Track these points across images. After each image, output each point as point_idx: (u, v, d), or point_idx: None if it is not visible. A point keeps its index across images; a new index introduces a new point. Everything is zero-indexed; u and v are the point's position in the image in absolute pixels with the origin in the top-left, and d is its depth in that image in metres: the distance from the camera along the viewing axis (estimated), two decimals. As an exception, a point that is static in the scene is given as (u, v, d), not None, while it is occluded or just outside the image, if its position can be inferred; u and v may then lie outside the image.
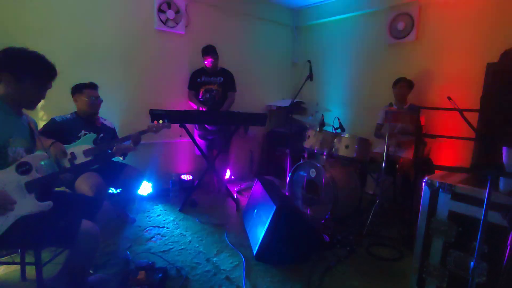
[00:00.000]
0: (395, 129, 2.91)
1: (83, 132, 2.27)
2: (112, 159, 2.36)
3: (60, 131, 2.18)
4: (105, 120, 2.50)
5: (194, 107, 3.33)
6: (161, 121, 2.50)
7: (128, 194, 2.53)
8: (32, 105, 1.46)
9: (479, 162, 1.89)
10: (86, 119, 2.34)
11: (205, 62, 3.29)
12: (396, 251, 2.26)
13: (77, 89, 2.29)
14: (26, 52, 1.38)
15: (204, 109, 3.23)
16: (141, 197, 3.16)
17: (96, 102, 2.31)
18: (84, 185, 2.02)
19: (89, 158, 2.17)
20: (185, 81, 3.42)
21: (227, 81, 3.39)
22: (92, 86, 2.32)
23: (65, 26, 2.69)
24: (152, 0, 3.14)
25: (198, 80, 3.34)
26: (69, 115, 2.31)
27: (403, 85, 3.01)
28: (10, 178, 1.32)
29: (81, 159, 2.14)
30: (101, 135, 2.36)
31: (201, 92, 3.33)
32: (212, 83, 3.33)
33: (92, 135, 2.28)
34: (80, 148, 2.17)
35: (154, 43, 3.23)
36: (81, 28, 2.77)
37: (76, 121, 2.29)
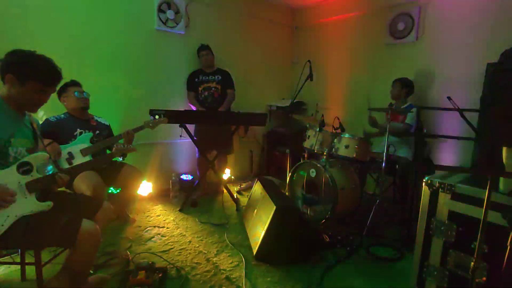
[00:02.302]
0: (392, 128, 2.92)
1: (78, 131, 2.25)
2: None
3: (56, 131, 2.18)
4: (99, 118, 2.49)
5: (194, 108, 3.34)
6: (157, 117, 2.48)
7: (128, 194, 2.53)
8: (34, 108, 1.47)
9: (479, 162, 1.90)
10: (79, 117, 2.32)
11: (201, 59, 3.33)
12: (396, 251, 2.26)
13: (61, 90, 2.27)
14: (33, 56, 1.38)
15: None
16: (141, 197, 3.16)
17: (82, 96, 2.29)
18: (83, 184, 2.01)
19: (86, 157, 2.16)
20: (185, 81, 3.42)
21: (225, 79, 3.40)
22: (74, 84, 2.31)
23: (65, 26, 2.69)
24: (152, 0, 3.14)
25: (196, 80, 3.35)
26: (62, 115, 2.29)
27: (396, 85, 3.02)
28: (11, 177, 1.33)
29: (78, 158, 2.13)
30: (97, 132, 2.35)
31: (200, 91, 3.34)
32: (210, 81, 3.35)
33: (88, 134, 2.26)
34: (77, 148, 2.16)
35: (154, 43, 3.23)
36: (81, 28, 2.77)
37: (70, 121, 2.27)
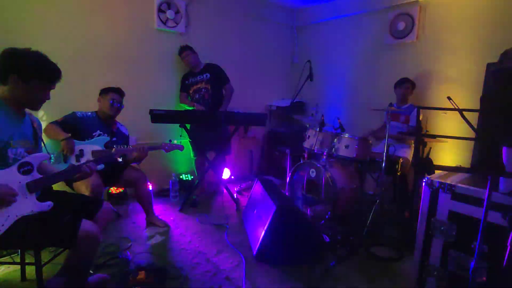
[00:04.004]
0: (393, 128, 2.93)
1: (98, 132, 2.30)
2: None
3: (77, 125, 2.24)
4: (122, 126, 2.53)
5: (188, 105, 3.29)
6: (175, 141, 2.43)
7: (139, 194, 2.52)
8: (38, 106, 1.47)
9: (479, 162, 1.89)
10: (104, 120, 2.38)
11: (183, 61, 3.24)
12: (396, 251, 2.26)
13: (104, 91, 2.38)
14: (33, 54, 1.38)
15: (198, 106, 3.18)
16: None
17: (115, 106, 2.36)
18: (82, 184, 2.02)
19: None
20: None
21: (216, 75, 3.27)
22: (118, 91, 2.40)
23: (65, 26, 2.69)
24: (152, 0, 3.14)
25: (186, 82, 3.30)
26: (89, 113, 2.36)
27: (408, 86, 3.02)
28: (12, 178, 1.32)
29: (87, 158, 2.15)
30: (114, 139, 2.38)
31: (191, 93, 3.28)
32: (198, 82, 3.25)
33: (105, 138, 2.29)
34: (90, 148, 2.19)
35: (154, 43, 3.23)
36: (81, 28, 2.77)
37: (94, 121, 2.34)
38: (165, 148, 2.35)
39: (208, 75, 3.26)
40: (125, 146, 2.19)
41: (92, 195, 1.98)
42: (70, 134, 2.09)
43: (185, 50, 3.20)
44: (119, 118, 2.52)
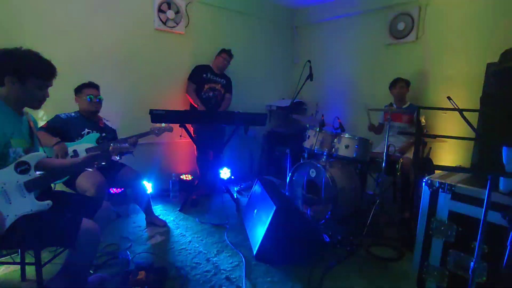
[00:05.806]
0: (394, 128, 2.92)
1: (86, 130, 2.30)
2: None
3: (64, 127, 2.22)
4: (107, 121, 2.53)
5: (191, 100, 3.34)
6: (163, 124, 2.49)
7: (136, 194, 2.52)
8: (38, 105, 1.46)
9: (479, 162, 1.89)
10: (89, 118, 2.37)
11: (220, 59, 3.37)
12: (396, 251, 2.26)
13: (78, 89, 2.34)
14: (26, 53, 1.37)
15: (201, 107, 3.29)
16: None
17: (94, 101, 2.33)
18: (87, 182, 2.03)
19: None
20: (185, 81, 3.42)
21: (227, 84, 3.52)
22: (91, 86, 2.35)
23: (64, 26, 2.69)
24: (152, 0, 3.14)
25: (204, 75, 3.37)
26: (73, 113, 2.34)
27: (402, 85, 3.02)
28: (10, 177, 1.32)
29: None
30: (103, 134, 2.38)
31: (205, 88, 3.37)
32: (217, 82, 3.43)
33: (95, 134, 2.30)
34: (82, 146, 2.20)
35: (154, 43, 3.23)
36: (81, 28, 2.77)
37: (79, 120, 2.32)
38: (154, 132, 2.43)
39: (224, 81, 3.48)
40: (121, 144, 2.20)
41: (97, 193, 1.98)
42: (59, 139, 2.09)
43: (228, 54, 3.39)
44: (119, 117, 2.52)
